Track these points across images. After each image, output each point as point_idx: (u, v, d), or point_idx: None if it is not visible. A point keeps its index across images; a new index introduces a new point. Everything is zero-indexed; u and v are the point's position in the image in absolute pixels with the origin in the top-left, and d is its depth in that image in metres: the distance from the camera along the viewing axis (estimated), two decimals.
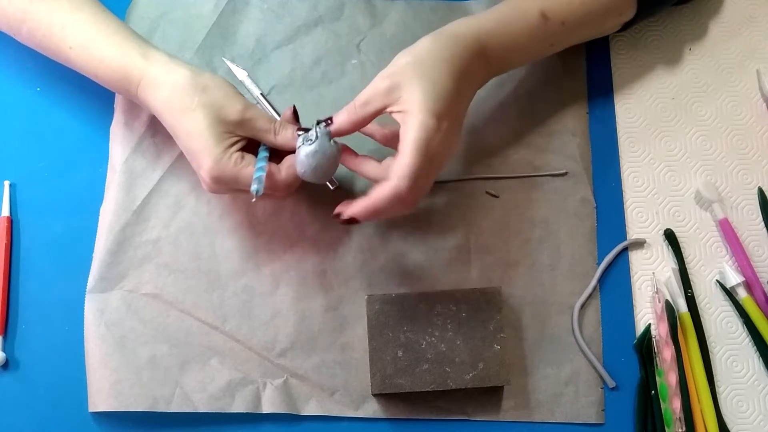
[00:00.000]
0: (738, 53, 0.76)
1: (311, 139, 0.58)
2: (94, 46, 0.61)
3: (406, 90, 0.57)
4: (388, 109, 0.58)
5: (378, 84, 0.58)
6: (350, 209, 0.58)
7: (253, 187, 0.57)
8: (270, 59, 0.73)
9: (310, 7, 0.75)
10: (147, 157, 0.68)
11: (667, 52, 0.76)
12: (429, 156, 0.56)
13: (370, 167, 0.60)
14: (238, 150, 0.59)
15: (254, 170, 0.58)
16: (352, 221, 0.59)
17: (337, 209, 0.60)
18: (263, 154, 0.60)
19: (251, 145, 0.61)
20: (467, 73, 0.60)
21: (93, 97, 0.69)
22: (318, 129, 0.58)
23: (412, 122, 0.56)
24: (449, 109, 0.58)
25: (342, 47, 0.73)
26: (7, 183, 0.68)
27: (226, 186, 0.59)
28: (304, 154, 0.58)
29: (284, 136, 0.61)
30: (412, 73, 0.57)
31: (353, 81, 0.72)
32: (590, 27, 0.68)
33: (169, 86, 0.60)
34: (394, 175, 0.56)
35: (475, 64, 0.61)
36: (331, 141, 0.59)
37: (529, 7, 0.64)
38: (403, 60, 0.59)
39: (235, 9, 0.74)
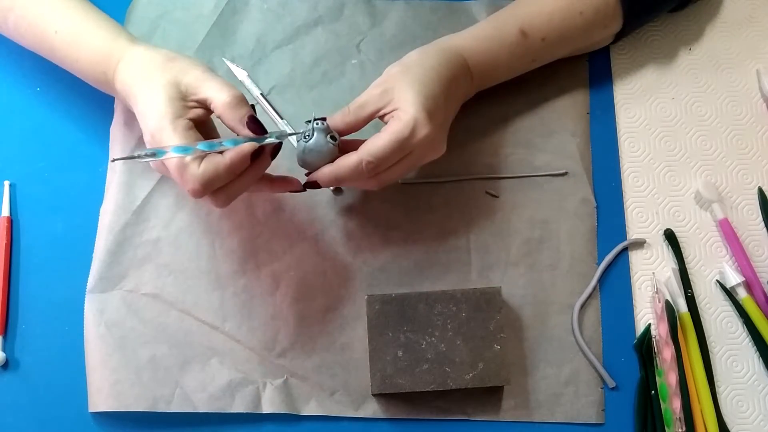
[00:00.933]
0: (738, 53, 0.76)
1: (307, 136, 0.59)
2: (82, 29, 0.62)
3: (398, 91, 0.59)
4: (381, 112, 0.60)
5: (371, 90, 0.60)
6: (314, 174, 0.60)
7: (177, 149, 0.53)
8: (270, 59, 0.73)
9: (310, 7, 0.75)
10: None
11: (667, 52, 0.76)
12: (404, 146, 0.58)
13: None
14: (190, 120, 0.56)
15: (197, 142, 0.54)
16: (314, 185, 0.60)
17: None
18: (217, 146, 0.55)
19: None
20: (454, 83, 0.62)
21: (93, 97, 0.68)
22: (314, 125, 0.59)
23: (403, 115, 0.58)
24: (438, 111, 0.59)
25: (342, 47, 0.73)
26: (7, 183, 0.68)
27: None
28: (301, 150, 0.59)
29: (234, 113, 0.56)
30: (403, 78, 0.60)
31: (353, 81, 0.72)
32: (574, 41, 0.69)
33: (143, 57, 0.59)
34: (363, 149, 0.58)
35: (460, 77, 0.63)
36: (328, 137, 0.59)
37: (508, 24, 0.66)
38: (394, 69, 0.61)
39: (235, 9, 0.74)
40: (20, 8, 0.63)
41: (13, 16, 0.64)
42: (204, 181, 0.54)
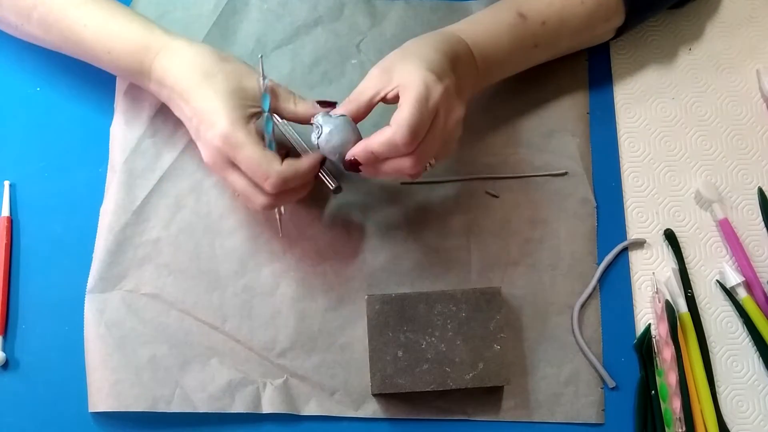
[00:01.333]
0: (738, 53, 0.76)
1: (319, 126, 0.59)
2: (114, 21, 0.62)
3: (398, 70, 0.58)
4: (383, 93, 0.59)
5: (369, 74, 0.60)
6: (350, 152, 0.58)
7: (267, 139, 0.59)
8: (270, 59, 0.73)
9: (310, 7, 0.74)
10: (147, 157, 0.68)
11: (667, 52, 0.76)
12: (429, 108, 0.56)
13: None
14: (254, 124, 0.59)
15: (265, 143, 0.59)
16: (355, 165, 0.58)
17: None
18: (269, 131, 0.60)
19: None
20: (456, 59, 0.61)
21: (93, 97, 0.69)
22: (316, 119, 0.59)
23: (411, 83, 0.57)
24: (445, 74, 0.58)
25: (342, 47, 0.73)
26: (7, 183, 0.68)
27: (229, 154, 0.57)
28: (326, 141, 0.59)
29: (304, 105, 0.62)
30: (402, 58, 0.59)
31: (353, 81, 0.72)
32: (577, 31, 0.68)
33: (192, 52, 0.61)
34: (393, 122, 0.56)
35: (463, 55, 0.62)
36: (332, 115, 0.59)
37: (506, 8, 0.66)
38: (391, 54, 0.61)
39: (235, 9, 0.74)
40: (43, 5, 0.63)
41: (37, 13, 0.63)
42: (284, 177, 0.57)
